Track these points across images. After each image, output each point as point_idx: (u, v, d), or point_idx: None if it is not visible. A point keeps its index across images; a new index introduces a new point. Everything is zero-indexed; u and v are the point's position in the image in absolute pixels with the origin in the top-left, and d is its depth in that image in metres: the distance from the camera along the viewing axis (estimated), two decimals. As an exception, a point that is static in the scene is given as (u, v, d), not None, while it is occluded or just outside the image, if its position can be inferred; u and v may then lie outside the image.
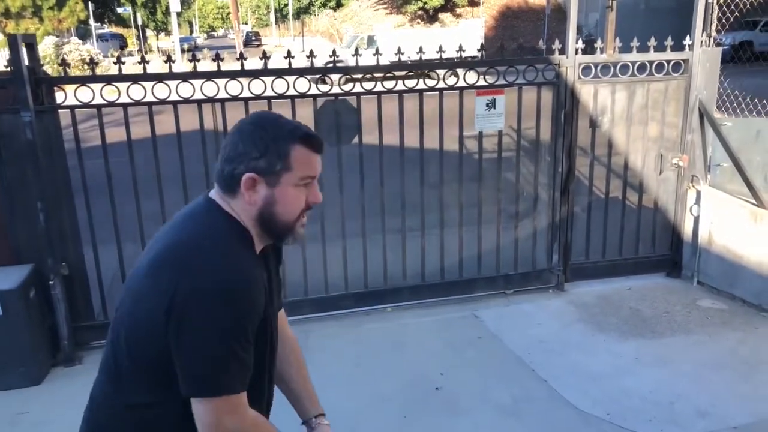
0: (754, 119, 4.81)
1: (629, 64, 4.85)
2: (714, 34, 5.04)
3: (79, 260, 4.16)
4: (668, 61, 4.90)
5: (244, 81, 4.16)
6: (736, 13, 4.94)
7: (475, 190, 4.81)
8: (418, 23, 37.10)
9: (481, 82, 4.66)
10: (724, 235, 4.84)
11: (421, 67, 4.59)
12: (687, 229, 5.17)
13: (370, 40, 23.63)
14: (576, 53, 4.73)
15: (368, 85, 4.57)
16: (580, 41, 4.77)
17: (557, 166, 4.88)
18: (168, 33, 48.02)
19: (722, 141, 4.80)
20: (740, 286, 4.73)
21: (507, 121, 4.79)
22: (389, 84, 4.50)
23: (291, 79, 4.27)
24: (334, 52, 4.51)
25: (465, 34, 22.73)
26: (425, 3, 35.71)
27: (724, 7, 4.96)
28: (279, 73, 4.28)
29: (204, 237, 1.39)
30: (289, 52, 4.30)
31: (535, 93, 4.74)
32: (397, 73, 4.57)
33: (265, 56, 4.42)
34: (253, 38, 52.02)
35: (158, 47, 40.93)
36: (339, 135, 4.45)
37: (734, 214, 4.73)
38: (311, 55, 4.36)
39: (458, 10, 37.37)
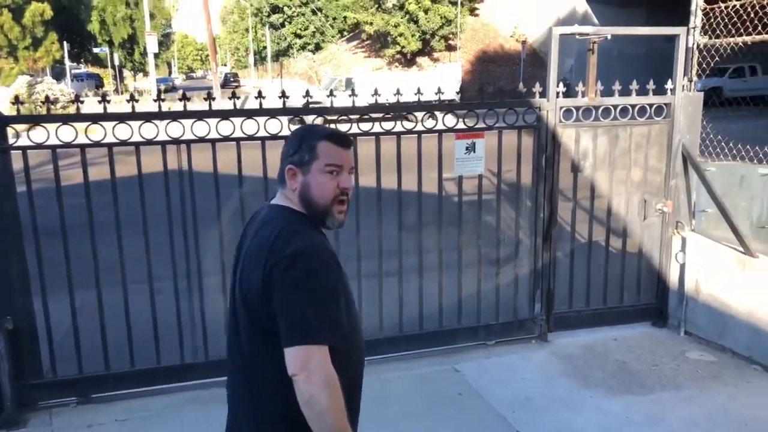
0: (737, 164, 4.72)
1: (611, 107, 4.74)
2: (695, 78, 4.98)
3: (28, 312, 3.83)
4: (650, 105, 4.81)
5: (212, 122, 3.95)
6: (717, 58, 4.89)
7: (454, 235, 4.61)
8: (396, 67, 37.56)
9: (461, 125, 4.52)
10: (711, 283, 4.68)
11: (400, 110, 4.43)
12: (673, 276, 5.01)
13: (348, 83, 23.74)
14: (557, 96, 4.62)
15: (343, 127, 4.39)
16: (561, 85, 4.67)
17: (539, 212, 4.71)
18: (146, 73, 48.04)
19: (707, 186, 4.68)
20: (729, 336, 4.55)
21: (487, 165, 4.63)
22: (366, 126, 4.32)
23: (262, 120, 4.07)
24: (307, 92, 4.34)
25: (443, 77, 22.90)
26: (403, 47, 36.19)
27: (704, 52, 4.91)
28: (249, 113, 4.09)
29: (282, 226, 1.71)
30: (260, 92, 4.11)
31: (515, 136, 4.60)
32: (374, 115, 4.40)
33: (234, 95, 4.22)
34: (232, 79, 52.20)
35: (135, 87, 40.84)
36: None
37: (721, 261, 4.58)
38: (283, 95, 4.17)
39: (435, 54, 37.94)
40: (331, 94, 4.39)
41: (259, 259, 1.67)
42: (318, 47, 51.18)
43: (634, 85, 4.71)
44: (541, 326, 4.82)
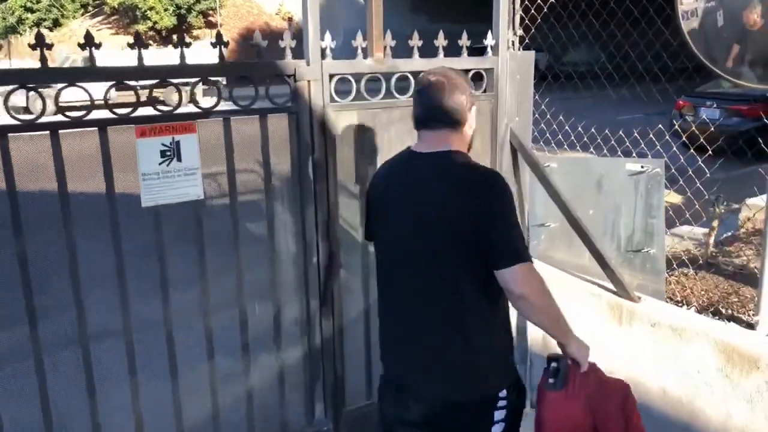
0: (593, 158, 3.22)
1: (409, 75, 2.93)
2: (521, 32, 3.39)
3: None
4: (465, 72, 3.09)
5: None
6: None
7: (157, 308, 2.49)
8: (150, 44, 33.33)
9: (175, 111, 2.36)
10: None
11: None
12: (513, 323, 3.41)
13: (87, 62, 19.83)
14: (323, 57, 2.68)
15: None
16: (331, 39, 2.73)
17: (309, 255, 2.76)
18: None
19: (549, 189, 3.12)
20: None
21: (213, 184, 2.57)
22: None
23: None
24: None
25: (202, 56, 20.04)
26: (155, 23, 32.15)
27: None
28: None
29: (472, 165, 1.96)
30: None
31: (258, 129, 2.59)
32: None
33: None
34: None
35: None
36: None
37: (580, 304, 3.06)
38: None
39: (195, 32, 34.40)
40: None
41: (460, 193, 1.84)
42: (57, 23, 44.09)
43: (441, 40, 2.96)
44: (327, 438, 2.93)
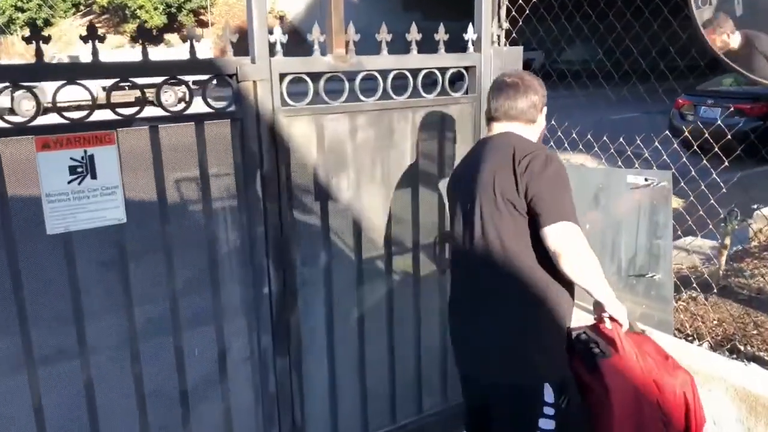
0: (590, 168, 2.83)
1: (377, 75, 2.54)
2: (507, 25, 3.00)
3: None
4: (442, 70, 2.69)
5: None
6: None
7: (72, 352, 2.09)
8: (140, 44, 32.87)
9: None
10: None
11: None
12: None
13: (75, 60, 19.47)
14: (271, 54, 2.28)
15: None
16: (281, 32, 2.33)
17: (259, 284, 2.37)
18: None
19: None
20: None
21: (140, 204, 2.17)
22: None
23: None
24: None
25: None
26: (145, 22, 31.68)
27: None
28: None
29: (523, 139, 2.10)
30: None
31: (193, 138, 2.19)
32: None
33: None
34: (-68, 61, 42.48)
35: None
36: None
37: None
38: None
39: (185, 31, 34.00)
40: None
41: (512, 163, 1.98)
42: (48, 23, 43.55)
43: (414, 34, 2.57)
44: (284, 494, 2.53)
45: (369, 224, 2.62)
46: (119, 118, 2.03)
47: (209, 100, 2.18)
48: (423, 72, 2.63)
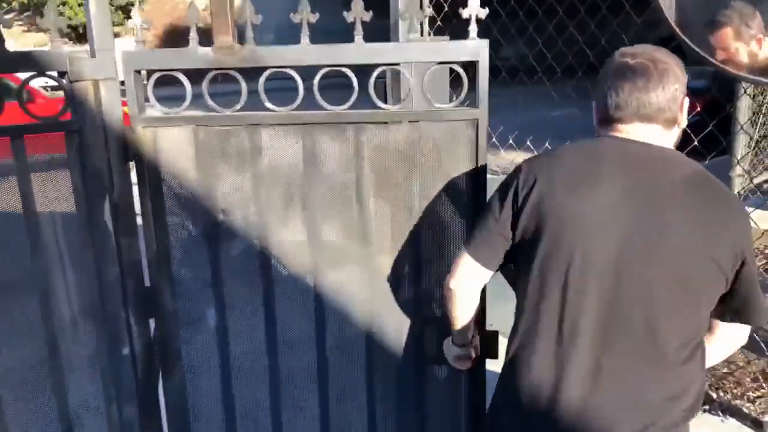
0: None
1: (293, 72, 1.93)
2: (430, 10, 2.53)
3: None
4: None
5: None
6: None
7: None
8: (66, 42, 31.33)
9: None
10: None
11: None
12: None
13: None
14: (134, 35, 1.76)
15: None
16: (138, 16, 1.78)
17: (117, 345, 1.82)
18: None
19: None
20: None
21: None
22: None
23: None
24: None
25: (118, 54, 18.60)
26: (70, 18, 30.13)
27: None
28: None
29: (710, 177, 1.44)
30: None
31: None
32: None
33: None
34: None
35: None
36: None
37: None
38: None
39: (116, 29, 32.61)
40: None
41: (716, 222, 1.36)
42: (-37, 20, 41.11)
43: (357, 10, 2.04)
44: None
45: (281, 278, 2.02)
46: None
47: (28, 107, 1.62)
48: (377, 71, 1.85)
